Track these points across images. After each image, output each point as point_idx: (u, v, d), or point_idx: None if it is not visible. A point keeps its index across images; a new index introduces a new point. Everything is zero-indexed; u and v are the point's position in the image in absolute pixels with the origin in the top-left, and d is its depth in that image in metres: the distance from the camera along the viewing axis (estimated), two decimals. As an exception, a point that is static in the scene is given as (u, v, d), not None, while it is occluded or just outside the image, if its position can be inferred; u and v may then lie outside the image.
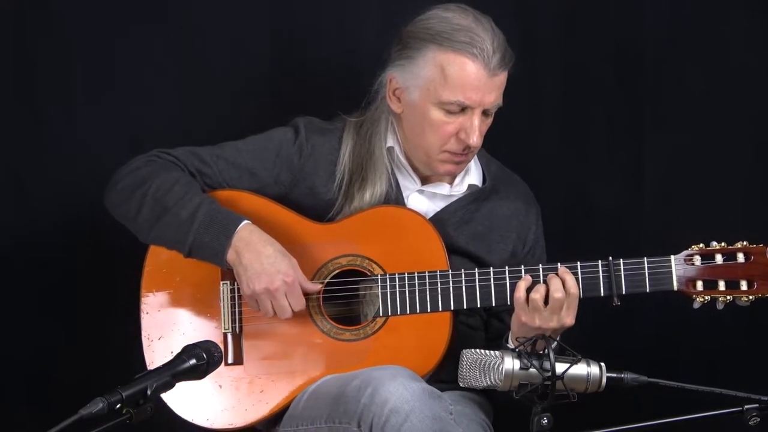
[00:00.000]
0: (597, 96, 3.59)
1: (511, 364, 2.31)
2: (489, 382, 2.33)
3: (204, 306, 2.89)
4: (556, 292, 2.70)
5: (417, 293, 2.80)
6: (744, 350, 3.56)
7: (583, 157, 3.60)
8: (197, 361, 2.33)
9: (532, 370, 2.29)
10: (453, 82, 2.79)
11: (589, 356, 2.34)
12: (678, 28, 3.56)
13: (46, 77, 3.46)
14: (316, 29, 3.52)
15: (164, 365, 2.30)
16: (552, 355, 2.28)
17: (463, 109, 2.81)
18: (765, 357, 3.52)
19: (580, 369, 2.32)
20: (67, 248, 3.44)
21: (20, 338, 3.48)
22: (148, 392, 2.21)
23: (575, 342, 2.35)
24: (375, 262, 2.84)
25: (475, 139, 2.82)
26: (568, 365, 2.29)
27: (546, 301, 2.71)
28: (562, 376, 2.28)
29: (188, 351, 2.34)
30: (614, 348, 3.49)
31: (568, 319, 2.72)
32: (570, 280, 2.72)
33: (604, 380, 2.33)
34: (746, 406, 2.31)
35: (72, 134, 3.47)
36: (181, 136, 3.47)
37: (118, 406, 2.16)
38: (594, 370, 2.33)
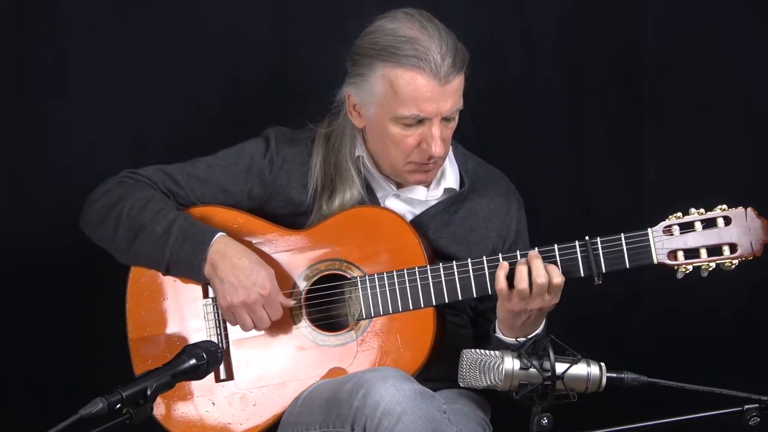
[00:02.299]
0: (597, 96, 3.59)
1: (511, 364, 2.31)
2: (489, 382, 2.33)
3: (189, 324, 2.90)
4: (539, 277, 2.67)
5: (398, 292, 2.80)
6: (744, 350, 3.56)
7: (583, 158, 3.60)
8: (197, 361, 2.33)
9: (532, 370, 2.29)
10: (404, 96, 2.76)
11: (589, 356, 2.34)
12: (678, 28, 3.56)
13: (45, 77, 3.46)
14: (316, 30, 3.52)
15: (164, 365, 2.30)
16: (552, 355, 2.28)
17: (421, 120, 2.79)
18: (765, 357, 3.52)
19: (580, 369, 2.32)
20: (67, 248, 3.44)
21: (20, 338, 3.48)
22: (148, 392, 2.22)
23: (574, 341, 2.35)
24: (353, 265, 2.84)
25: (437, 149, 2.79)
26: (568, 365, 2.29)
27: (531, 288, 2.69)
28: (562, 376, 2.28)
29: (188, 351, 2.34)
30: (613, 348, 3.50)
31: (555, 299, 2.71)
32: (554, 270, 2.69)
33: (604, 380, 2.33)
34: (746, 406, 2.31)
35: (72, 134, 3.47)
36: (181, 135, 3.48)
37: (118, 406, 2.17)
38: (594, 370, 2.33)
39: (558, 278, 2.69)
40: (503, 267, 2.71)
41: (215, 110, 3.52)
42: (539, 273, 2.68)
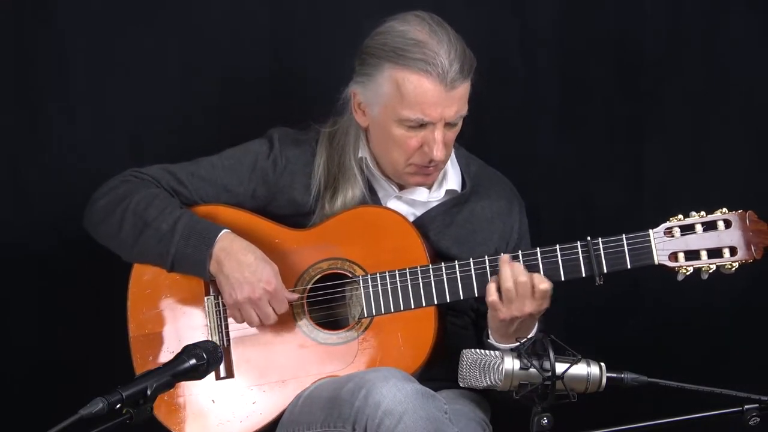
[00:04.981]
0: (597, 96, 3.59)
1: (511, 364, 2.31)
2: (489, 382, 2.33)
3: (190, 322, 2.90)
4: (520, 275, 2.70)
5: (399, 290, 2.81)
6: (744, 350, 3.56)
7: (584, 158, 3.60)
8: (197, 361, 2.33)
9: (532, 370, 2.29)
10: (410, 99, 2.77)
11: (589, 356, 2.34)
12: (678, 28, 3.56)
13: (45, 77, 3.46)
14: (316, 31, 3.52)
15: (164, 365, 2.30)
16: (552, 355, 2.28)
17: (424, 124, 2.80)
18: (765, 357, 3.52)
19: (580, 369, 2.32)
20: (67, 248, 3.44)
21: (20, 338, 3.48)
22: (148, 392, 2.21)
23: (575, 342, 2.35)
24: (356, 264, 2.85)
25: (438, 153, 2.80)
26: (568, 365, 2.29)
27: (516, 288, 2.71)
28: (562, 376, 2.28)
29: (188, 351, 2.34)
30: (613, 348, 3.49)
31: (544, 304, 2.72)
32: (538, 276, 2.71)
33: (604, 380, 2.33)
34: (746, 406, 2.31)
35: (71, 134, 3.47)
36: (181, 135, 3.48)
37: (118, 406, 2.16)
38: (594, 370, 2.33)
39: (544, 284, 2.71)
40: (494, 280, 2.74)
41: (215, 110, 3.52)
42: (520, 271, 2.70)
